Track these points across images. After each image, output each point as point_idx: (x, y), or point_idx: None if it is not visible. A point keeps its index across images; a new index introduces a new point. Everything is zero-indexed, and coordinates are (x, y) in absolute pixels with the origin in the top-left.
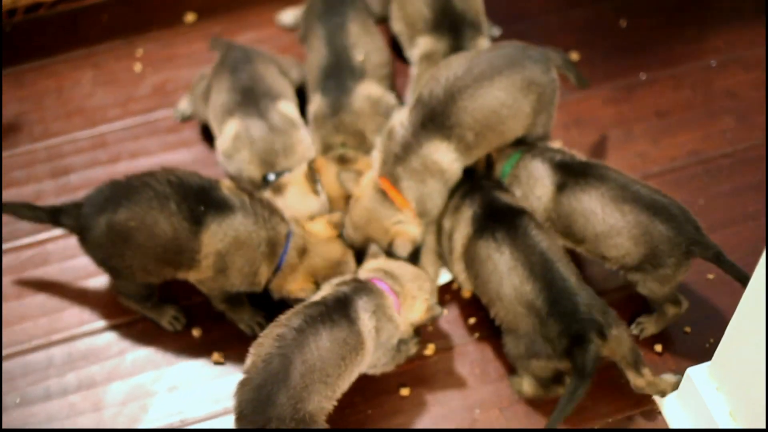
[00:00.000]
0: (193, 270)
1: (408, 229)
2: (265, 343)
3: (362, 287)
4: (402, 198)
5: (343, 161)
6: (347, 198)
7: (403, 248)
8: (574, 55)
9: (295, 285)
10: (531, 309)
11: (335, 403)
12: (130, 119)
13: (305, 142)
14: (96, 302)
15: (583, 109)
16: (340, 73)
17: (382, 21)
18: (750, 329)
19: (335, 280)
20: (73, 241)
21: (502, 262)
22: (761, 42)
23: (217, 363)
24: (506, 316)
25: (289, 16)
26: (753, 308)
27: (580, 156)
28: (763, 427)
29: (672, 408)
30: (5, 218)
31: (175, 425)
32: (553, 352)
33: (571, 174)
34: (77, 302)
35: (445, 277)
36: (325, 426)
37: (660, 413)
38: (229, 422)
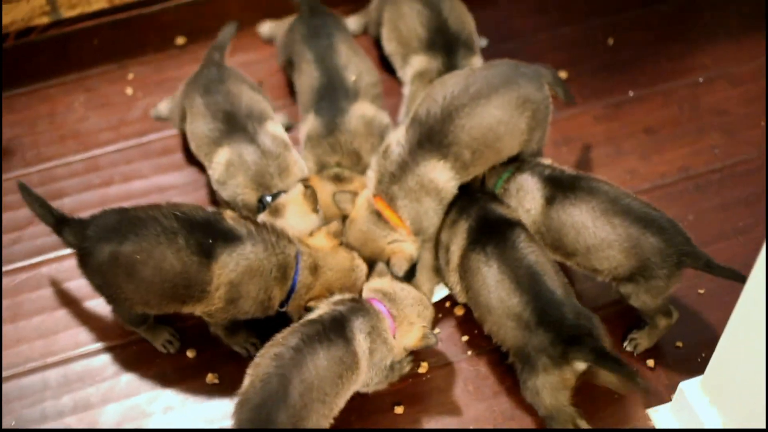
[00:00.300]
0: (202, 303)
1: (404, 247)
2: (263, 363)
3: (359, 308)
4: (397, 217)
5: (338, 180)
6: (342, 218)
7: (400, 267)
8: (563, 74)
9: (313, 302)
10: (519, 322)
11: (332, 421)
12: (123, 142)
13: (298, 161)
14: (91, 324)
15: (573, 127)
16: (333, 94)
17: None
18: (742, 342)
19: (332, 299)
20: (66, 264)
21: (491, 275)
22: (747, 58)
23: (211, 383)
24: (498, 331)
25: (266, 28)
26: (744, 321)
27: (570, 170)
28: None
29: (666, 422)
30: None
31: None
32: (550, 360)
33: (560, 187)
34: (72, 325)
35: (439, 294)
36: None
37: (653, 428)
38: None
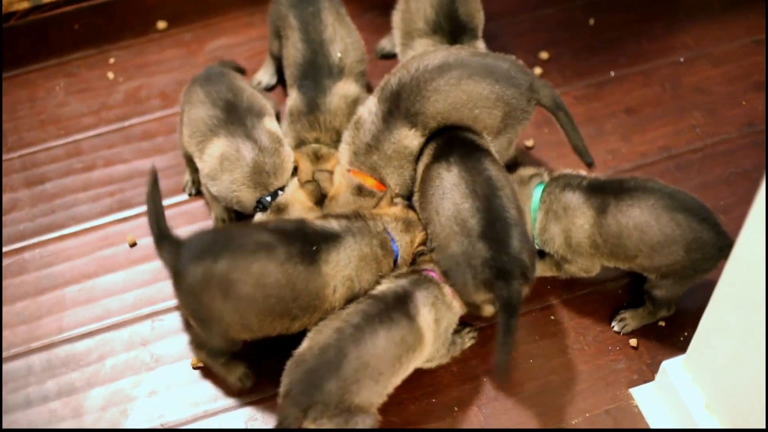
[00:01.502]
0: (317, 311)
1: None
2: (325, 332)
3: (421, 279)
4: (377, 182)
5: (316, 158)
6: (322, 197)
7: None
8: (544, 54)
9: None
10: (464, 228)
11: (386, 398)
12: (104, 127)
13: (290, 154)
14: (74, 309)
15: None
16: (317, 72)
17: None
18: (723, 322)
19: (394, 273)
20: (50, 248)
21: (449, 178)
22: (728, 38)
23: (195, 368)
24: (441, 233)
25: (264, 76)
26: (726, 300)
27: (601, 176)
28: (740, 419)
29: (648, 401)
30: None
31: (156, 429)
32: (473, 280)
33: (609, 193)
34: (56, 310)
35: None
36: (374, 416)
37: (637, 407)
38: (210, 425)
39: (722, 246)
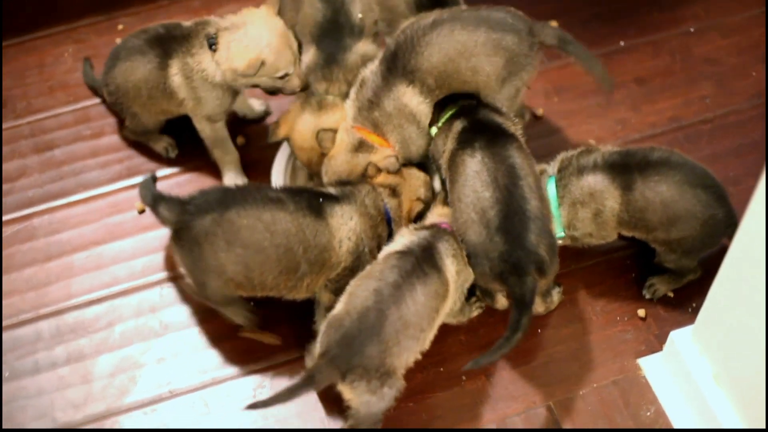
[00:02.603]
0: (326, 267)
1: (386, 155)
2: (360, 294)
3: (441, 232)
4: (381, 138)
5: (320, 107)
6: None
7: (393, 165)
8: (554, 23)
9: (408, 210)
10: (483, 218)
11: (420, 356)
12: None
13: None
14: (83, 276)
15: (564, 77)
16: (338, 30)
17: None
18: (732, 293)
19: (414, 225)
20: (58, 215)
21: (471, 164)
22: (739, 9)
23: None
24: (459, 219)
25: None
26: (735, 273)
27: (616, 148)
28: (747, 390)
29: (656, 371)
30: None
31: (165, 396)
32: (489, 270)
33: (633, 169)
34: (64, 276)
35: None
36: (401, 380)
37: (644, 377)
38: (218, 392)
39: (729, 224)
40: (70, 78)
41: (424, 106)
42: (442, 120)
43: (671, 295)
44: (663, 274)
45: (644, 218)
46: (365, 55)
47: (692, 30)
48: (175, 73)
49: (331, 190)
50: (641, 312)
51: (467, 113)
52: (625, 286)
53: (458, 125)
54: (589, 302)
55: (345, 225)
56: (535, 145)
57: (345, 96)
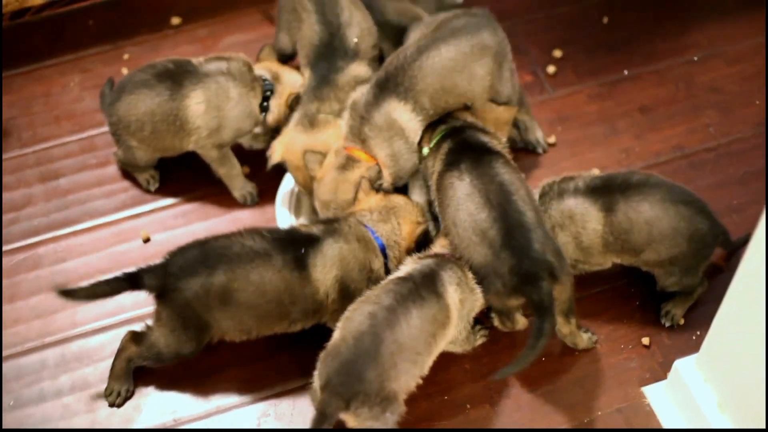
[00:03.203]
0: (317, 315)
1: (369, 166)
2: (356, 319)
3: (445, 260)
4: (368, 155)
5: (310, 125)
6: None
7: (376, 175)
8: (558, 53)
9: (410, 234)
10: (484, 239)
11: (420, 381)
12: None
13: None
14: (88, 305)
15: (568, 106)
16: (333, 54)
17: None
18: (736, 321)
19: (418, 255)
20: (63, 244)
21: (461, 188)
22: (742, 37)
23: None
24: (460, 244)
25: None
26: (740, 300)
27: (597, 173)
28: (751, 419)
29: (660, 400)
30: None
31: (168, 425)
32: (503, 287)
33: (615, 191)
34: (69, 305)
35: None
36: (402, 405)
37: (649, 405)
38: (222, 421)
39: (716, 233)
40: (76, 107)
41: (414, 123)
42: (434, 141)
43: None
44: (673, 297)
45: (630, 240)
46: (357, 77)
47: (696, 58)
48: (198, 101)
49: (314, 230)
50: (645, 340)
51: (453, 134)
52: (630, 314)
53: (445, 147)
54: (593, 330)
55: (327, 275)
56: (540, 173)
57: (337, 114)
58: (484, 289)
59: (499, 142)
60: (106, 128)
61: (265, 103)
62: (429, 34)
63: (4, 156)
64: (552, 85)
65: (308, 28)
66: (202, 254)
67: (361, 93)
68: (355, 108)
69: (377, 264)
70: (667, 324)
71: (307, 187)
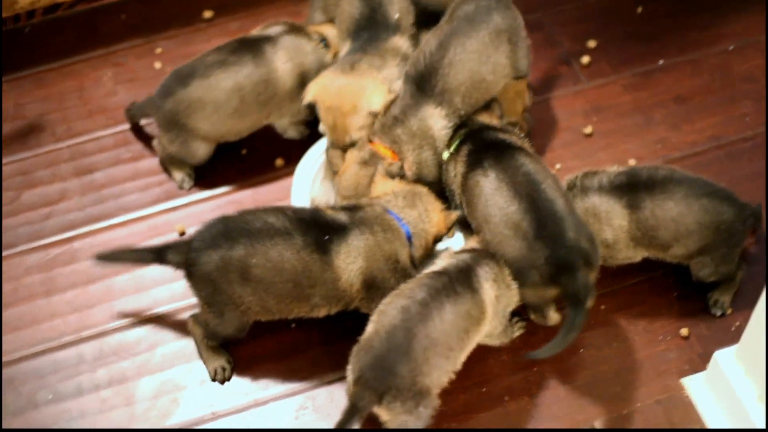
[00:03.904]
0: (341, 302)
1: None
2: (389, 313)
3: (482, 256)
4: (391, 152)
5: (352, 68)
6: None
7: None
8: (592, 43)
9: (441, 221)
10: (517, 231)
11: (453, 376)
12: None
13: None
14: (125, 298)
15: (602, 96)
16: (374, 26)
17: None
18: None
19: (454, 250)
20: (99, 238)
21: (488, 184)
22: None
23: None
24: (493, 240)
25: None
26: None
27: (620, 168)
28: None
29: (700, 391)
30: (30, 216)
31: (207, 418)
32: (540, 278)
33: (640, 188)
34: (106, 299)
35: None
36: (436, 400)
37: (688, 397)
38: (260, 414)
39: (745, 218)
40: (109, 101)
41: (445, 131)
42: (454, 145)
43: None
44: (717, 286)
45: (657, 236)
46: (397, 48)
47: (731, 48)
48: (284, 61)
49: (342, 217)
50: (684, 331)
51: (471, 137)
52: (668, 306)
53: (464, 149)
54: (631, 322)
55: (350, 264)
56: (575, 165)
57: (380, 68)
58: (519, 283)
59: (517, 137)
60: (140, 122)
61: None
62: (443, 25)
63: (40, 150)
64: (586, 76)
65: (348, 3)
66: (225, 228)
67: (398, 88)
68: (388, 111)
69: (404, 255)
70: (718, 313)
71: (334, 133)
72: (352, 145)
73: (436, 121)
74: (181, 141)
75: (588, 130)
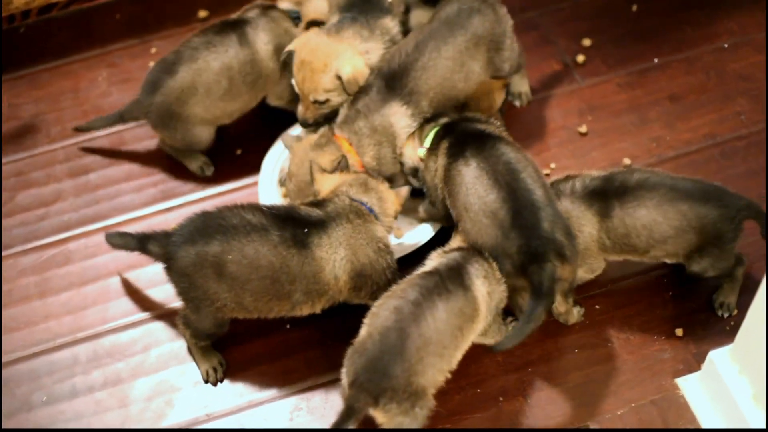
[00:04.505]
0: (326, 295)
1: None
2: (381, 314)
3: (471, 254)
4: (352, 148)
5: (338, 32)
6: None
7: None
8: (587, 41)
9: (396, 199)
10: (494, 220)
11: (448, 375)
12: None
13: None
14: (119, 300)
15: (597, 95)
16: (368, 4)
17: None
18: None
19: (443, 249)
20: (94, 239)
21: (469, 173)
22: None
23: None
24: (472, 229)
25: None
26: None
27: (598, 173)
28: None
29: (694, 391)
30: (25, 217)
31: (201, 419)
32: (511, 267)
33: (612, 196)
34: (101, 300)
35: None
36: (432, 401)
37: (683, 397)
38: (255, 416)
39: (732, 216)
40: (104, 102)
41: (407, 129)
42: (428, 139)
43: (711, 313)
44: (720, 287)
45: (630, 243)
46: (386, 28)
47: (726, 46)
48: (266, 42)
49: (317, 212)
50: (679, 331)
51: (449, 130)
52: (662, 305)
53: (444, 143)
54: (626, 321)
55: (333, 256)
56: (569, 164)
57: (366, 39)
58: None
59: (496, 127)
60: (134, 122)
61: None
62: (425, 25)
63: (35, 151)
64: (581, 75)
65: None
66: (203, 223)
67: (362, 89)
68: (353, 103)
69: (380, 231)
70: (725, 315)
71: (302, 89)
72: (317, 103)
73: (400, 119)
74: (182, 131)
75: (583, 129)
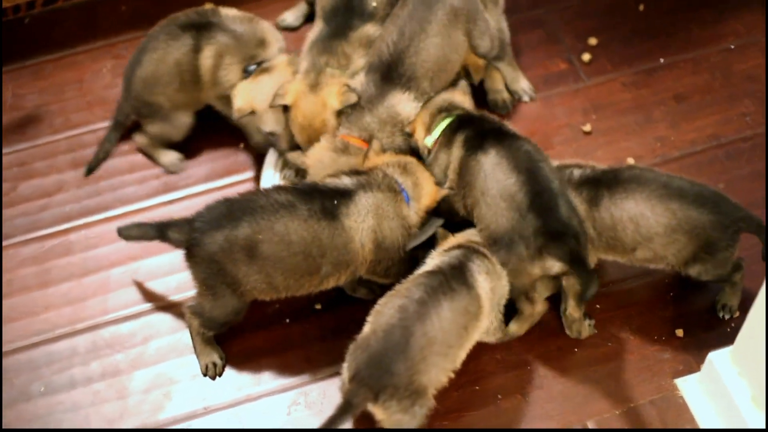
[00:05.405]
0: (351, 266)
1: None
2: (386, 312)
3: (472, 251)
4: (362, 141)
5: (314, 85)
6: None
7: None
8: (593, 40)
9: (433, 193)
10: (512, 203)
11: (451, 375)
12: None
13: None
14: (119, 291)
15: (602, 94)
16: (350, 12)
17: None
18: None
19: (443, 247)
20: (95, 230)
21: (488, 161)
22: None
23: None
24: (487, 213)
25: (290, 17)
26: None
27: (598, 165)
28: None
29: (694, 392)
30: (26, 207)
31: (199, 412)
32: (527, 250)
33: (602, 185)
34: (101, 291)
35: None
36: (431, 401)
37: (682, 397)
38: (252, 409)
39: (726, 225)
40: (108, 93)
41: (414, 110)
42: (437, 129)
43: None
44: (722, 291)
45: (617, 237)
46: (369, 36)
47: (733, 47)
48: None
49: (346, 181)
50: (679, 332)
51: (465, 124)
52: (663, 306)
53: (460, 137)
54: (626, 322)
55: (361, 224)
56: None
57: (345, 68)
58: (505, 259)
59: (511, 128)
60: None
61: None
62: (398, 11)
63: (38, 142)
64: (587, 73)
65: None
66: (227, 208)
67: (359, 83)
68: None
69: (407, 210)
70: (727, 317)
71: (310, 144)
72: None
73: (405, 105)
74: (160, 117)
75: (587, 127)
